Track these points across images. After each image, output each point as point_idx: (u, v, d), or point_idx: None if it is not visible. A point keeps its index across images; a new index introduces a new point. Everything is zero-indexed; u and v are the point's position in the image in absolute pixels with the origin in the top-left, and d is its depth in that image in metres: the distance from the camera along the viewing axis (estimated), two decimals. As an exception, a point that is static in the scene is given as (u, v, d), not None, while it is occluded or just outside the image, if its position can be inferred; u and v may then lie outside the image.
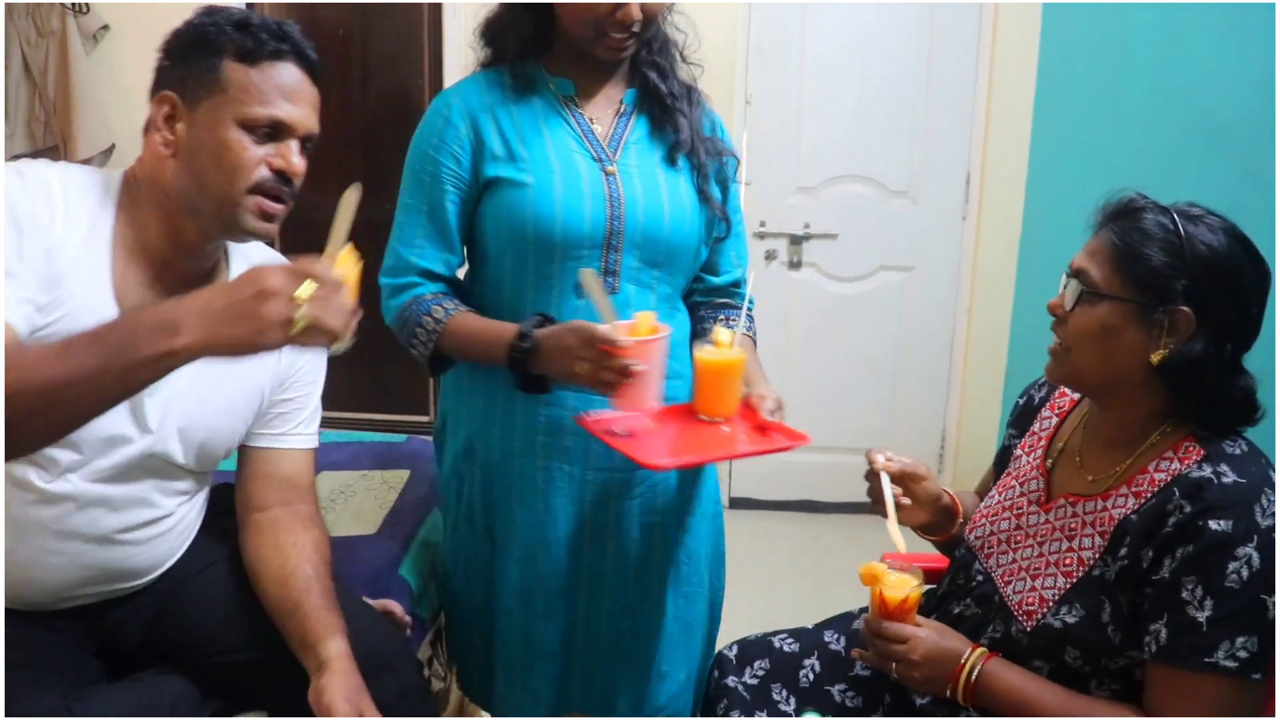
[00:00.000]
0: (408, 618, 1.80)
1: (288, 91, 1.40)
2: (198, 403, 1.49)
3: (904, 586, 1.43)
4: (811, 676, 1.70)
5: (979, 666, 1.39)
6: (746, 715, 1.66)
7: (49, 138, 3.75)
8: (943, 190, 3.79)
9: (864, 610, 1.82)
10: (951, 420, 3.99)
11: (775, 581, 3.45)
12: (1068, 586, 1.40)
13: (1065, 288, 1.43)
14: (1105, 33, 3.48)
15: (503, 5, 1.73)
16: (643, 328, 1.53)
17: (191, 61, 1.39)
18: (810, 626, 1.82)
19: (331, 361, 4.53)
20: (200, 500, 1.63)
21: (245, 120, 1.37)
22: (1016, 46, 3.61)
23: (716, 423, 1.63)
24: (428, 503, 2.17)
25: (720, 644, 1.88)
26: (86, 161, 3.77)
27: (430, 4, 3.88)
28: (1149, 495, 1.35)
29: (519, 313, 1.66)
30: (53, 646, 1.43)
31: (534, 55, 1.72)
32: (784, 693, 1.69)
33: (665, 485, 1.80)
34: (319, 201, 4.17)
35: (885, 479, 1.57)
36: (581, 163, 1.66)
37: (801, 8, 3.65)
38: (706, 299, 1.87)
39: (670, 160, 1.73)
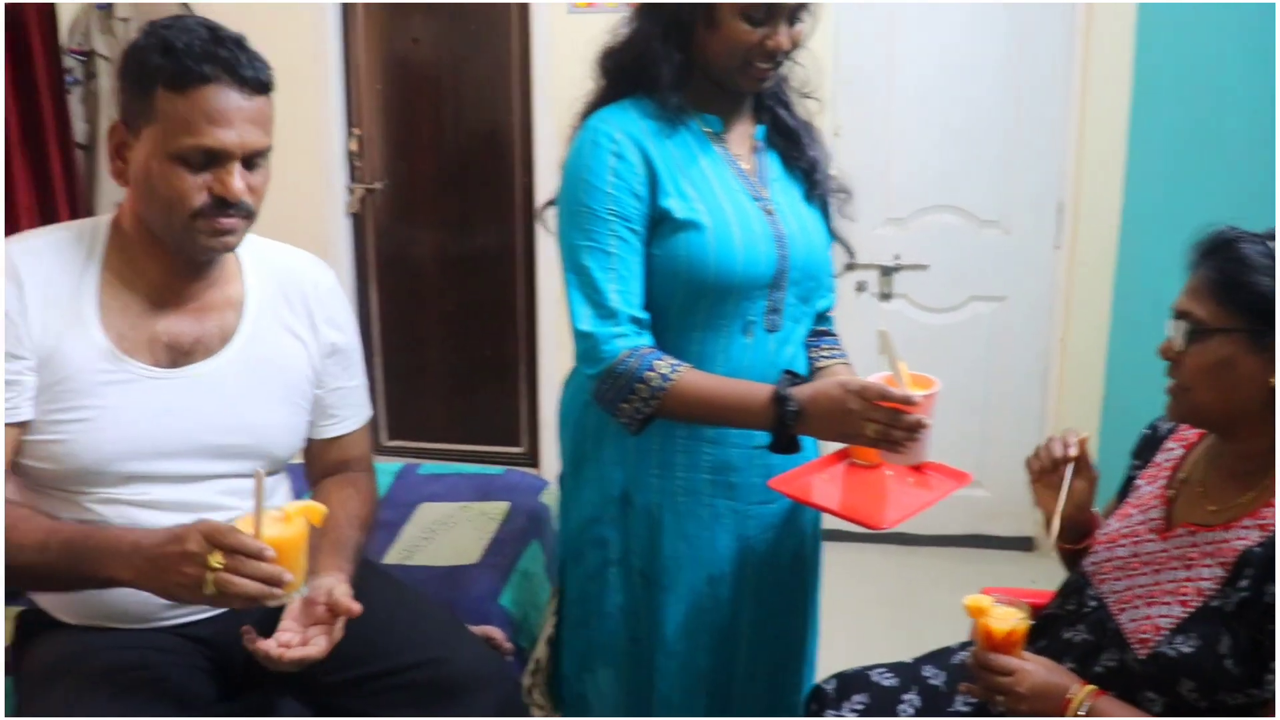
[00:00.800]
0: (509, 644, 1.83)
1: (216, 116, 1.38)
2: (247, 408, 1.56)
3: (1010, 619, 1.41)
4: (911, 711, 1.69)
5: (1088, 703, 1.37)
6: (845, 750, 1.65)
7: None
8: (1035, 219, 3.74)
9: (964, 645, 1.81)
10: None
11: (867, 615, 3.41)
12: (1185, 616, 1.38)
13: (1172, 331, 1.42)
14: (1202, 57, 3.41)
15: (641, 35, 1.66)
16: (909, 380, 1.53)
17: (132, 89, 1.42)
18: (909, 660, 1.80)
19: (426, 393, 4.61)
20: (280, 500, 1.67)
21: (175, 152, 1.39)
22: (1109, 72, 3.56)
23: (874, 466, 1.65)
24: (527, 534, 2.21)
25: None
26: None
27: (519, 36, 3.95)
28: (1274, 529, 1.33)
29: (683, 351, 1.64)
30: (164, 668, 1.48)
31: (677, 87, 1.66)
32: (884, 728, 1.68)
33: (808, 514, 1.85)
34: (412, 236, 4.31)
35: (1069, 469, 1.55)
36: (746, 203, 1.67)
37: (888, 38, 3.65)
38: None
39: (808, 196, 1.75)
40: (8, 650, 1.71)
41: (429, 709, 1.56)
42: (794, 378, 1.59)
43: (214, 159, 1.40)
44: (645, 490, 1.75)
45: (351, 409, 1.75)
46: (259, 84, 1.42)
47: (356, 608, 1.44)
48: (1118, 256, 3.64)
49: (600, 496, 1.78)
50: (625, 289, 1.60)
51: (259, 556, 1.28)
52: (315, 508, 1.42)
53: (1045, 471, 1.60)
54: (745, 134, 1.74)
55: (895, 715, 1.69)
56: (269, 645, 1.39)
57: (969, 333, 3.84)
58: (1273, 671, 1.28)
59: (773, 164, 1.74)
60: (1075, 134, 3.64)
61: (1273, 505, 1.35)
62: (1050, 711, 1.39)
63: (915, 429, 1.46)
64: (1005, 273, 3.79)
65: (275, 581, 1.29)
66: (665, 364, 1.58)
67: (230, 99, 1.38)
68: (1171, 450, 1.60)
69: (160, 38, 1.38)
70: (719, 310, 1.65)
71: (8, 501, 1.43)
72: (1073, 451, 1.56)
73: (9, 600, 1.88)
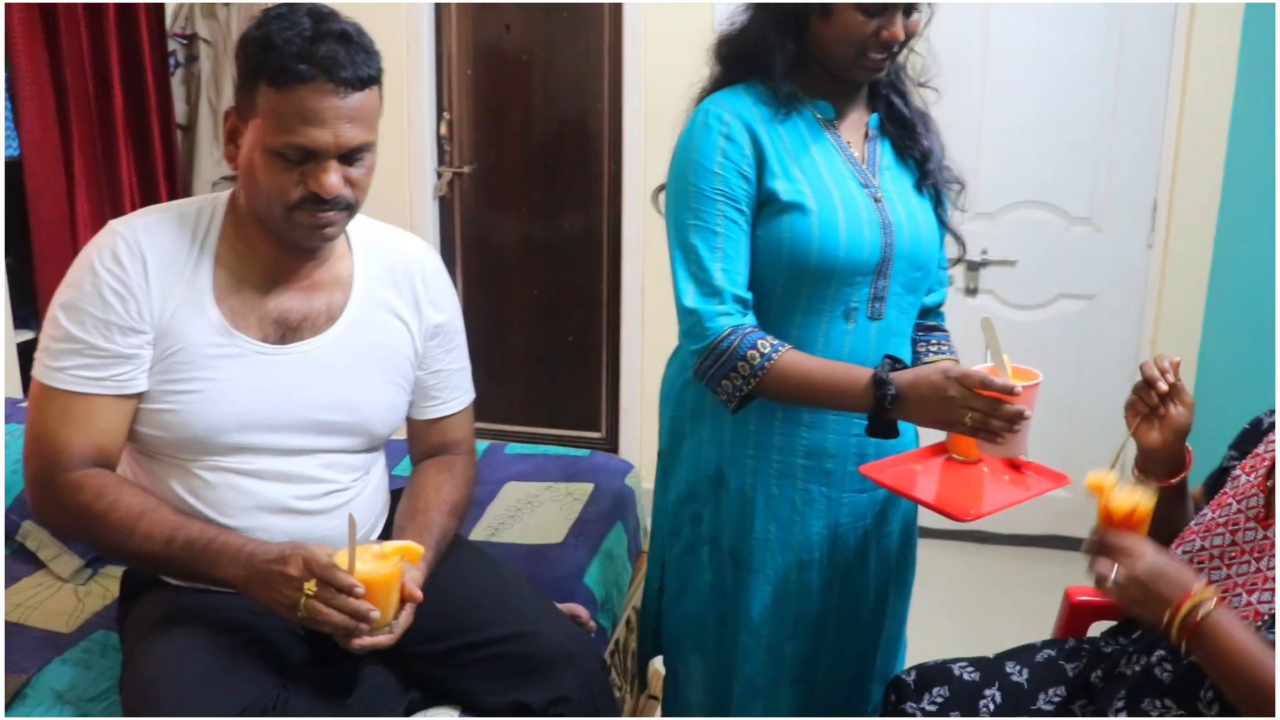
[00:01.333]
0: (593, 623, 1.86)
1: (310, 115, 1.39)
2: (349, 387, 1.60)
3: (1133, 497, 1.38)
4: (992, 708, 1.68)
5: (1209, 608, 1.30)
6: (924, 743, 1.65)
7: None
8: (1128, 217, 3.68)
9: (1047, 643, 1.81)
10: (1131, 455, 3.81)
11: (945, 612, 3.40)
12: None
13: None
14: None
15: (756, 24, 1.69)
16: (1011, 371, 1.52)
17: (241, 80, 1.46)
18: (991, 656, 1.79)
19: (509, 376, 4.67)
20: (377, 477, 1.73)
21: (273, 147, 1.42)
22: (1212, 71, 3.48)
23: (972, 462, 1.65)
24: (611, 516, 2.24)
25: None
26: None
27: (611, 23, 3.98)
28: None
29: (784, 334, 1.66)
30: (261, 629, 1.53)
31: (788, 74, 1.68)
32: (964, 722, 1.68)
33: (902, 506, 1.85)
34: (499, 221, 4.36)
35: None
36: (854, 189, 1.67)
37: (982, 30, 3.61)
38: (918, 321, 1.87)
39: (919, 186, 1.75)
40: (112, 609, 1.78)
41: (516, 682, 1.59)
42: (895, 362, 1.59)
43: (310, 155, 1.42)
44: (739, 471, 1.77)
45: (453, 391, 1.79)
46: (359, 81, 1.42)
47: (419, 595, 1.47)
48: (1213, 258, 3.57)
49: (695, 474, 1.81)
50: (730, 268, 1.62)
51: (349, 592, 1.37)
52: (413, 549, 1.49)
53: (1143, 407, 1.54)
54: (858, 122, 1.74)
55: (975, 711, 1.68)
56: (362, 642, 1.43)
57: (1056, 331, 3.79)
58: None
59: (885, 152, 1.75)
60: (1174, 132, 3.57)
61: None
62: (1163, 601, 1.33)
63: (1015, 419, 1.45)
64: (1095, 271, 3.73)
65: (361, 617, 1.38)
66: (767, 343, 1.60)
67: (326, 98, 1.39)
68: (1274, 442, 1.57)
69: (265, 32, 1.41)
70: (821, 294, 1.66)
71: (140, 490, 1.52)
72: (1162, 385, 1.50)
73: (111, 560, 1.97)
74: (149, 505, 1.49)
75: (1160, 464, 1.60)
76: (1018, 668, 1.74)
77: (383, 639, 1.43)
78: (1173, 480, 1.59)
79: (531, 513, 2.23)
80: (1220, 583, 1.46)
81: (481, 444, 2.55)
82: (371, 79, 1.45)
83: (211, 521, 1.53)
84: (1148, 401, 1.54)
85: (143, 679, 1.45)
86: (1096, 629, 1.85)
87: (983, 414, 1.46)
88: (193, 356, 1.50)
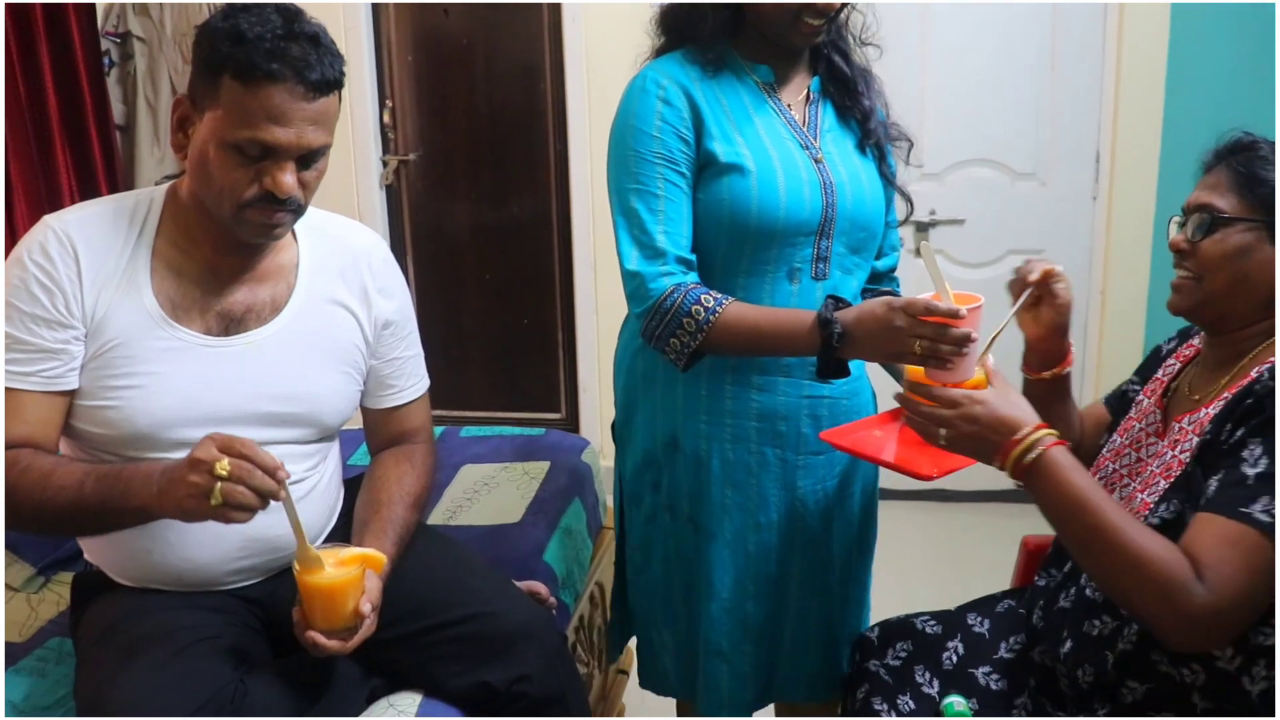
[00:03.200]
0: (553, 599, 1.86)
1: (277, 114, 1.37)
2: (297, 377, 1.58)
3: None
4: (955, 659, 1.70)
5: (1038, 451, 1.32)
6: (888, 698, 1.66)
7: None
8: (1071, 171, 3.71)
9: (1007, 593, 1.83)
10: (1086, 404, 3.84)
11: (911, 570, 3.42)
12: (1166, 487, 1.40)
13: (1186, 224, 1.48)
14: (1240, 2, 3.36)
15: None
16: (953, 297, 1.51)
17: (200, 69, 1.42)
18: (953, 609, 1.81)
19: (465, 363, 4.66)
20: (331, 467, 1.71)
21: (232, 141, 1.39)
22: (1145, 20, 3.51)
23: None
24: (569, 493, 2.24)
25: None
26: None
27: (550, 4, 3.95)
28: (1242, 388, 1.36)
29: (741, 279, 1.69)
30: (218, 626, 1.50)
31: (725, 40, 1.69)
32: (927, 675, 1.69)
33: (860, 468, 1.84)
34: (448, 207, 4.34)
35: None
36: (794, 151, 1.67)
37: (921, -7, 3.63)
38: (869, 286, 1.86)
39: (861, 147, 1.74)
40: (64, 616, 1.76)
41: (477, 663, 1.58)
42: (838, 302, 1.60)
43: (269, 153, 1.40)
44: (693, 436, 1.77)
45: (409, 379, 1.77)
46: (326, 85, 1.41)
47: (366, 610, 1.43)
48: (1157, 206, 3.60)
49: (651, 442, 1.81)
50: (672, 230, 1.63)
51: (270, 469, 1.31)
52: (375, 558, 1.46)
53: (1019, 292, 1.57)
54: (800, 85, 1.74)
55: (939, 664, 1.70)
56: (315, 636, 1.41)
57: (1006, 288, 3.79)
58: (1205, 487, 1.30)
59: (827, 114, 1.74)
60: (1112, 84, 3.60)
61: (1249, 377, 1.37)
62: (994, 447, 1.37)
63: (963, 343, 1.44)
64: (1043, 225, 3.76)
65: (273, 495, 1.32)
66: (711, 298, 1.60)
67: (294, 99, 1.38)
68: (1171, 365, 1.62)
69: (234, 24, 1.37)
70: (763, 256, 1.66)
71: (44, 453, 1.46)
72: (1033, 276, 1.54)
73: (65, 566, 1.94)
74: (60, 462, 1.45)
75: (1039, 357, 1.65)
76: (979, 618, 1.76)
77: (335, 645, 1.41)
78: (1044, 374, 1.64)
79: (489, 494, 2.22)
80: (1127, 496, 1.49)
81: (437, 429, 2.54)
82: (337, 82, 1.43)
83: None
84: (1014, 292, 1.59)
85: (96, 682, 1.42)
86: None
87: (930, 340, 1.46)
88: (132, 351, 1.48)
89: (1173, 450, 1.44)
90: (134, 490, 1.38)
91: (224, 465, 1.28)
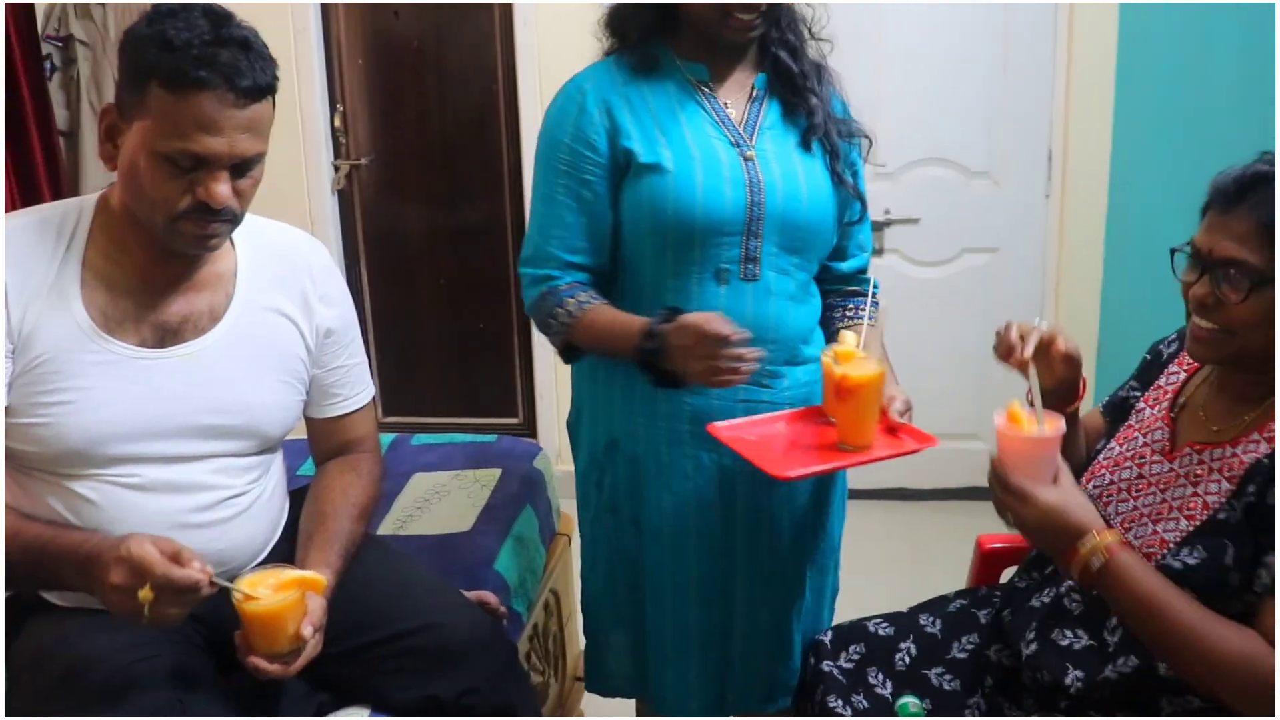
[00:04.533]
0: (503, 609, 1.83)
1: (207, 123, 1.34)
2: (237, 388, 1.55)
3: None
4: (908, 660, 1.69)
5: (1102, 559, 1.31)
6: (842, 697, 1.65)
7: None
8: (1024, 170, 3.72)
9: (959, 593, 1.82)
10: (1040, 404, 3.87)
11: (868, 570, 3.32)
12: (1190, 529, 1.37)
13: (1206, 274, 1.36)
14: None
15: None
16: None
17: (127, 77, 1.39)
18: (905, 611, 1.80)
19: (421, 368, 4.60)
20: (274, 479, 1.67)
21: (162, 152, 1.35)
22: (1095, 19, 3.53)
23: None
24: (520, 500, 2.21)
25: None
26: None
27: (501, 5, 3.91)
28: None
29: (660, 299, 1.66)
30: (157, 646, 1.46)
31: (660, 39, 1.69)
32: (880, 676, 1.68)
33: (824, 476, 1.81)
34: (401, 211, 4.30)
35: (1033, 374, 1.47)
36: (720, 148, 1.66)
37: (873, -8, 3.63)
38: (835, 287, 1.85)
39: (805, 144, 1.70)
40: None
41: (425, 676, 1.56)
42: (673, 312, 1.58)
43: (201, 164, 1.36)
44: (631, 438, 1.77)
45: (353, 387, 1.74)
46: (258, 91, 1.37)
47: (306, 634, 1.41)
48: (1108, 203, 3.62)
49: (594, 443, 1.82)
50: (563, 235, 1.69)
51: (193, 589, 1.31)
52: (315, 581, 1.44)
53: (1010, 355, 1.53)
54: (742, 82, 1.72)
55: (891, 665, 1.69)
56: (257, 661, 1.39)
57: (962, 285, 3.83)
58: (1266, 565, 1.28)
59: (770, 112, 1.72)
60: (1063, 82, 3.61)
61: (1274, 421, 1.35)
62: (1058, 552, 1.36)
63: (734, 366, 1.47)
64: (997, 224, 3.77)
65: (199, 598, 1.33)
66: (575, 300, 1.67)
67: (225, 107, 1.34)
68: (1175, 374, 1.59)
69: (160, 30, 1.34)
70: (687, 255, 1.65)
71: None
72: (1027, 353, 1.48)
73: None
74: None
75: (1055, 396, 1.59)
76: (931, 619, 1.76)
77: (277, 669, 1.39)
78: (1066, 409, 1.59)
79: (440, 502, 2.19)
80: (1127, 515, 1.48)
81: (388, 436, 2.50)
82: (269, 88, 1.40)
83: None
84: (1004, 351, 1.55)
85: (28, 706, 1.39)
86: (1008, 575, 1.86)
87: (705, 362, 1.48)
88: (61, 366, 1.43)
89: (1191, 485, 1.41)
90: (64, 576, 1.40)
91: (146, 593, 1.29)
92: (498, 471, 2.31)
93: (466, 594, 1.75)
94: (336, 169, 4.12)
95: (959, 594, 1.83)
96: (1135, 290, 3.40)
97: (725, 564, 1.79)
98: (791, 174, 1.68)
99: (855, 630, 1.78)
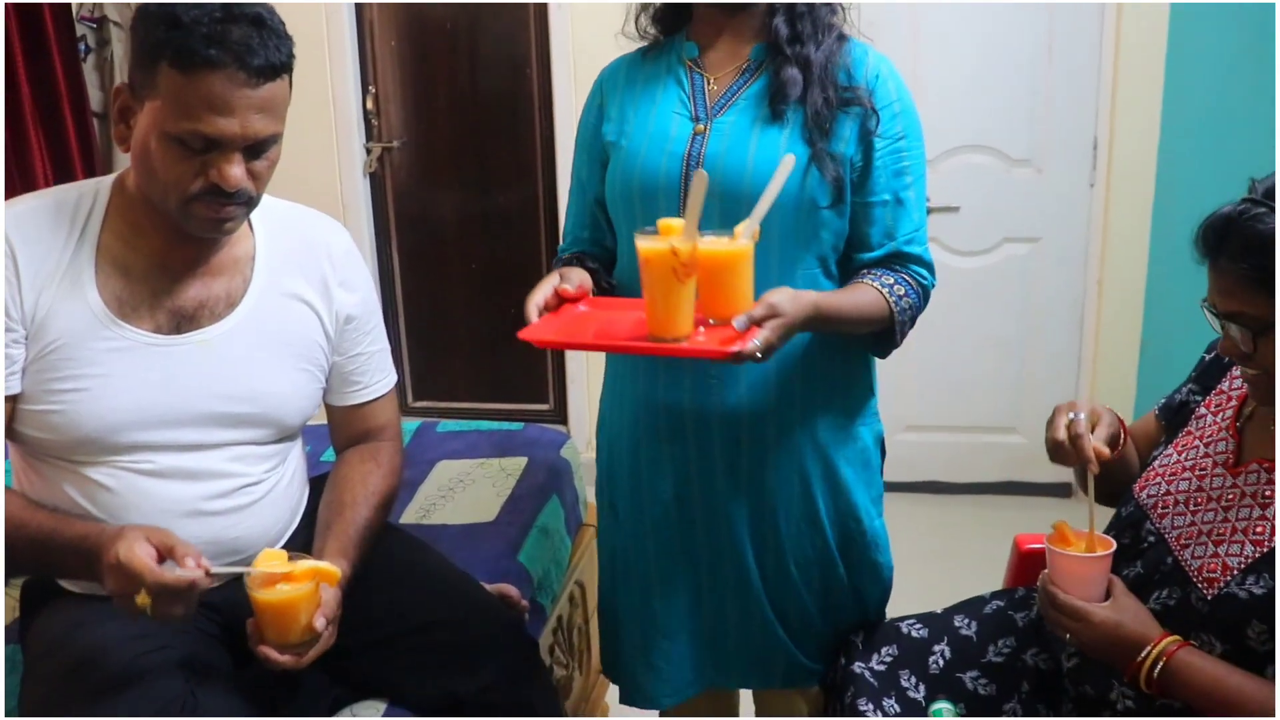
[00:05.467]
0: (524, 602, 1.80)
1: (218, 104, 1.30)
2: (254, 376, 1.52)
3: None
4: (941, 663, 1.65)
5: (1162, 662, 1.30)
6: (874, 700, 1.61)
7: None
8: (1068, 158, 3.64)
9: (995, 594, 1.77)
10: (1083, 396, 3.81)
11: (900, 566, 3.29)
12: (1257, 555, 1.31)
13: (1225, 330, 1.34)
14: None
15: None
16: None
17: (138, 57, 1.35)
18: (939, 611, 1.75)
19: (451, 353, 4.57)
20: (293, 467, 1.64)
21: (174, 133, 1.32)
22: (1145, 4, 3.44)
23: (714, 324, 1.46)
24: (546, 490, 2.17)
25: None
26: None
27: (536, 2, 3.87)
28: None
29: (634, 275, 1.58)
30: (177, 636, 1.44)
31: (676, 24, 1.70)
32: (913, 679, 1.63)
33: (791, 480, 1.70)
34: (432, 195, 4.28)
35: (1090, 493, 1.42)
36: (676, 123, 1.62)
37: (914, -24, 3.56)
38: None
39: (776, 115, 1.58)
40: (14, 624, 1.69)
41: (443, 672, 1.53)
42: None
43: (213, 145, 1.33)
44: (608, 426, 1.80)
45: (374, 375, 1.70)
46: (271, 70, 1.33)
47: (318, 626, 1.37)
48: (1155, 194, 3.54)
49: (598, 425, 1.85)
50: (571, 217, 1.81)
51: (187, 590, 1.28)
52: (329, 572, 1.40)
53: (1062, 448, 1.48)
54: (734, 53, 1.64)
55: (925, 668, 1.65)
56: (267, 651, 1.36)
57: (1002, 275, 3.77)
58: None
59: (759, 82, 1.61)
60: (1110, 68, 3.53)
61: None
62: (1121, 664, 1.34)
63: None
64: (1039, 213, 3.71)
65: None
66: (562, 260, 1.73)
67: (237, 86, 1.30)
68: (1239, 380, 1.51)
69: (169, 7, 1.30)
70: (638, 220, 1.59)
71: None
72: (1090, 454, 1.43)
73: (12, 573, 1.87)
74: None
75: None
76: (966, 620, 1.71)
77: (288, 660, 1.36)
78: (1113, 454, 1.53)
79: (464, 491, 2.16)
80: (1184, 530, 1.41)
81: (412, 423, 2.47)
82: (284, 66, 1.35)
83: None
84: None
85: (41, 693, 1.37)
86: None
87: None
88: (75, 353, 1.41)
89: (1259, 506, 1.35)
90: (71, 567, 1.41)
91: (143, 598, 1.27)
92: (523, 460, 2.27)
93: (488, 587, 1.72)
94: (368, 151, 4.09)
95: (995, 595, 1.78)
96: (1181, 284, 3.30)
97: (686, 555, 1.74)
98: (739, 146, 1.58)
99: (888, 631, 1.73)
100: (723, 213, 1.51)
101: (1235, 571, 1.31)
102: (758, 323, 1.38)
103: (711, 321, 1.43)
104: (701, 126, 1.60)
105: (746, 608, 1.76)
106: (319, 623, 1.37)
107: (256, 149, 1.37)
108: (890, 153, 1.60)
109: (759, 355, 1.35)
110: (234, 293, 1.51)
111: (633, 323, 1.45)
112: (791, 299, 1.43)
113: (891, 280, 1.60)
